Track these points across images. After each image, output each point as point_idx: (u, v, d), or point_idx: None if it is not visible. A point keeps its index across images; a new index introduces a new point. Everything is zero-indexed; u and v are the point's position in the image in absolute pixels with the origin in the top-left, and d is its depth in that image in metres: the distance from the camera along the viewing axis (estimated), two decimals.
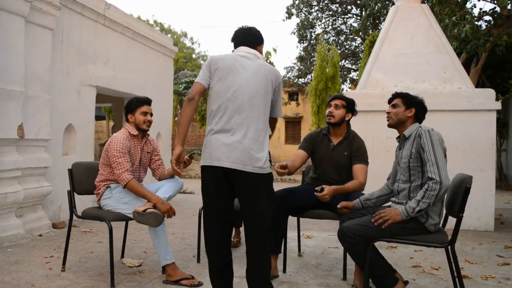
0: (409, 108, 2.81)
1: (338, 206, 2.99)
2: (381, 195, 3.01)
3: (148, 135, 3.55)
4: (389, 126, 2.90)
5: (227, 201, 2.46)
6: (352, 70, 22.14)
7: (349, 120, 3.48)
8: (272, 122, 2.64)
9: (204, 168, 2.43)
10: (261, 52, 2.66)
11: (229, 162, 2.32)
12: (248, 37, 2.61)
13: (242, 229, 4.62)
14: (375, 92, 5.86)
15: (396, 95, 2.89)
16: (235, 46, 2.64)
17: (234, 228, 4.38)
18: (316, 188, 3.16)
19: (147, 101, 3.45)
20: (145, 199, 3.12)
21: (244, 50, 2.57)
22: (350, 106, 3.43)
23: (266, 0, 78.53)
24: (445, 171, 2.53)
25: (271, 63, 15.45)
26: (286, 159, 3.78)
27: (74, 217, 3.35)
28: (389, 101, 2.93)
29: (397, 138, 2.94)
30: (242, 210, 2.46)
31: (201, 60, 35.64)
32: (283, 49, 60.47)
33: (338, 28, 21.78)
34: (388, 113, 2.88)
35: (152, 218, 2.95)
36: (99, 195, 3.33)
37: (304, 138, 3.64)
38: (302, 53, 21.82)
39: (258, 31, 2.67)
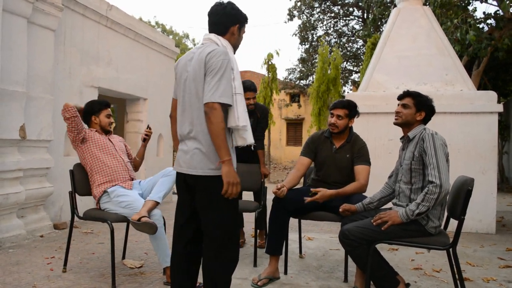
0: (419, 111, 2.79)
1: (340, 209, 2.99)
2: (383, 197, 3.00)
3: (112, 132, 3.74)
4: (396, 124, 2.89)
5: (187, 208, 2.35)
6: (353, 72, 22.13)
7: (351, 124, 3.47)
8: (205, 112, 2.12)
9: None
10: (235, 33, 2.34)
11: (180, 167, 2.27)
12: (212, 20, 2.34)
13: (245, 229, 4.63)
14: (377, 94, 5.86)
15: (407, 94, 2.86)
16: None
17: (258, 230, 4.36)
18: (311, 189, 3.18)
19: (109, 104, 3.68)
20: (70, 107, 3.28)
21: (205, 37, 2.34)
22: (352, 113, 3.41)
23: (268, 2, 78.60)
24: (446, 175, 2.53)
25: (272, 65, 15.44)
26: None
27: (76, 218, 3.36)
28: (399, 98, 2.90)
29: (401, 138, 2.93)
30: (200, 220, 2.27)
31: None
32: (285, 51, 60.54)
33: (340, 30, 21.77)
34: (397, 112, 2.85)
35: (147, 228, 2.98)
36: (97, 197, 3.37)
37: (306, 142, 3.63)
38: (304, 54, 21.81)
39: (228, 11, 2.31)
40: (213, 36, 2.30)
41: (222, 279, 2.21)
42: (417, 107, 2.79)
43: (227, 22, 2.31)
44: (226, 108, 2.15)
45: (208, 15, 2.35)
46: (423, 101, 2.80)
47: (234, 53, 2.39)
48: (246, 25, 2.41)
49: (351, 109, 3.39)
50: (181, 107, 2.29)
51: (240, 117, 2.18)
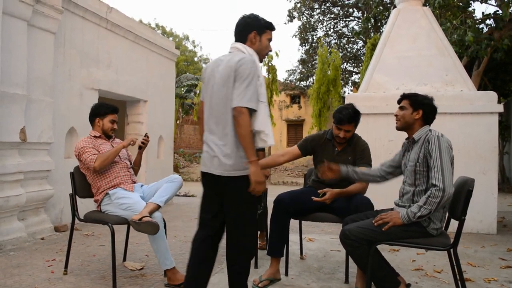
0: (416, 110, 2.76)
1: (323, 167, 3.01)
2: (370, 173, 3.02)
3: (114, 136, 3.74)
4: (397, 129, 2.87)
5: (214, 205, 2.51)
6: (354, 73, 22.15)
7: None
8: (233, 116, 2.29)
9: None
10: (253, 40, 2.48)
11: (205, 166, 2.44)
12: (235, 31, 2.55)
13: None
14: (377, 95, 5.86)
15: (403, 97, 2.85)
16: None
17: (259, 232, 4.36)
18: (319, 191, 3.16)
19: (117, 110, 3.65)
20: (117, 153, 3.41)
21: (232, 45, 2.53)
22: (358, 121, 3.38)
23: (268, 3, 78.69)
24: (450, 180, 2.50)
25: (272, 66, 15.44)
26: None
27: (76, 220, 3.36)
28: (398, 102, 2.89)
29: (406, 139, 2.91)
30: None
31: (202, 63, 35.71)
32: (285, 52, 60.54)
33: (340, 31, 21.79)
34: (396, 115, 2.85)
35: (148, 227, 2.97)
36: (99, 201, 3.37)
37: (306, 137, 3.61)
38: (304, 56, 21.84)
39: (245, 21, 2.50)
40: (239, 45, 2.48)
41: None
42: (413, 107, 2.77)
43: (245, 31, 2.50)
44: (251, 112, 2.31)
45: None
46: (418, 100, 2.78)
47: (262, 60, 2.59)
48: (267, 31, 2.54)
49: (357, 119, 3.35)
50: (208, 111, 2.46)
51: (262, 122, 2.35)
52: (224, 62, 2.41)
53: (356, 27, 21.42)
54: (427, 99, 2.80)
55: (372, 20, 14.24)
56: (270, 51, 2.61)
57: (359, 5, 17.99)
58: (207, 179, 2.46)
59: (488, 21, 10.19)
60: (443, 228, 2.70)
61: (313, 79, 20.41)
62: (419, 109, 2.77)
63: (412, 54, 6.01)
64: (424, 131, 2.75)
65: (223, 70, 2.38)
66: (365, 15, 12.62)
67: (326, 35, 21.43)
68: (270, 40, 2.57)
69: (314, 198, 3.16)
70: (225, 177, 2.33)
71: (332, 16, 21.52)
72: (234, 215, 2.40)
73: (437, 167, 2.52)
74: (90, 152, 3.34)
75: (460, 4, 9.53)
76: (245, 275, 2.43)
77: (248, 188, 2.29)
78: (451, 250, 2.59)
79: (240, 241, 2.40)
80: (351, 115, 3.29)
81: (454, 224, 2.70)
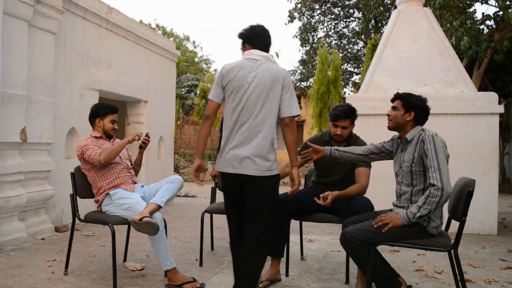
0: (408, 112, 2.75)
1: (308, 151, 3.15)
2: (352, 152, 3.03)
3: (115, 136, 3.74)
4: (389, 129, 2.87)
5: (239, 201, 2.70)
6: (354, 74, 22.13)
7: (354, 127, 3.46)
8: (283, 124, 2.60)
9: (221, 174, 2.71)
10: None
11: (234, 168, 2.56)
12: (264, 42, 2.69)
13: None
14: (377, 96, 5.86)
15: (396, 96, 2.84)
16: (247, 46, 2.70)
17: None
18: (321, 195, 3.15)
19: (117, 110, 3.65)
20: (122, 148, 3.41)
21: (256, 53, 2.63)
22: (354, 118, 3.40)
23: (269, 4, 78.67)
24: (447, 178, 2.50)
25: None
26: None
27: (77, 221, 3.36)
28: (391, 101, 2.89)
29: (397, 138, 2.91)
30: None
31: (203, 64, 35.72)
32: (285, 53, 60.51)
33: (340, 32, 21.79)
34: (388, 115, 2.85)
35: (148, 227, 2.97)
36: (99, 201, 3.37)
37: (305, 143, 3.60)
38: (304, 56, 21.83)
39: (269, 35, 2.73)
40: (267, 54, 2.67)
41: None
42: (406, 108, 2.76)
43: (270, 44, 2.73)
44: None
45: (255, 35, 2.69)
46: (411, 102, 2.76)
47: None
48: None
49: (353, 116, 3.37)
50: (241, 113, 2.55)
51: None
52: (262, 70, 2.54)
53: (356, 28, 21.43)
54: (420, 100, 2.78)
55: (373, 21, 14.22)
56: None
57: (360, 6, 18.00)
58: (234, 179, 2.59)
59: (488, 22, 10.16)
60: (443, 225, 2.70)
61: (313, 79, 20.42)
62: (411, 110, 2.75)
63: (413, 55, 6.01)
64: (417, 131, 2.74)
65: (263, 77, 2.52)
66: (365, 14, 12.58)
67: (327, 35, 21.43)
68: None
69: (317, 200, 3.15)
70: (258, 177, 2.50)
71: (333, 16, 21.50)
72: (257, 210, 2.58)
73: (434, 167, 2.52)
74: (94, 148, 3.34)
75: (461, 5, 9.51)
76: (266, 235, 2.64)
77: (272, 187, 2.59)
78: (452, 251, 2.59)
79: (258, 221, 2.59)
80: (346, 111, 3.34)
81: (454, 225, 2.70)
